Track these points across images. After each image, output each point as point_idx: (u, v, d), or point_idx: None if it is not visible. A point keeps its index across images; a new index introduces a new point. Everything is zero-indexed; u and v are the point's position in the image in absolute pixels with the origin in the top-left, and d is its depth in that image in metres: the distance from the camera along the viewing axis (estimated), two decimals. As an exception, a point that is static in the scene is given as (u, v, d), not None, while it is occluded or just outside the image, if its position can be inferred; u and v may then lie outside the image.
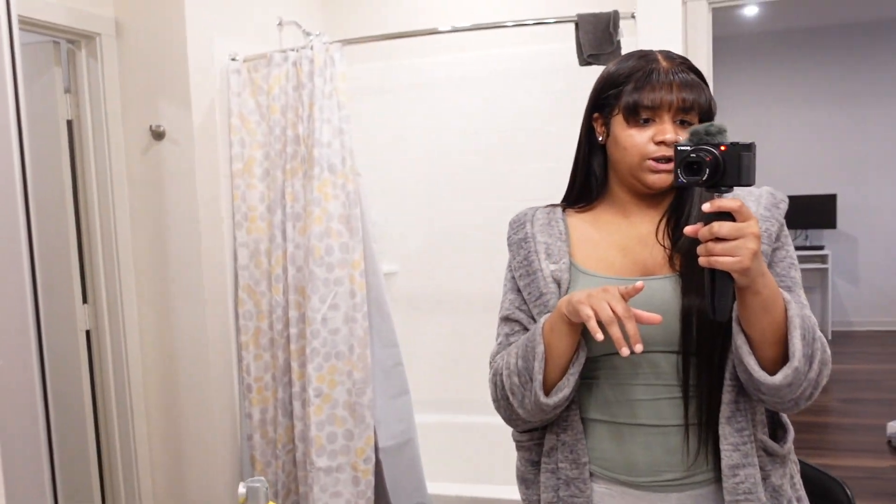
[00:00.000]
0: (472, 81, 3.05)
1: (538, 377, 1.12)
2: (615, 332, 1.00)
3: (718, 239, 0.95)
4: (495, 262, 3.03)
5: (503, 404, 1.22)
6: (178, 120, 2.35)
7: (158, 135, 2.37)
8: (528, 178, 3.00)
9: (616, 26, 2.17)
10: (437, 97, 3.09)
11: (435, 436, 3.07)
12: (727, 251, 0.94)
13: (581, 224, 1.27)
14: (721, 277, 0.98)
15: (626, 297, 1.03)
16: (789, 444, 1.19)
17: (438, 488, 2.50)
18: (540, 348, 1.12)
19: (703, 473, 1.15)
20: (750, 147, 0.96)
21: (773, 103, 6.90)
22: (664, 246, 1.18)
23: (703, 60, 2.45)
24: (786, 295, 1.05)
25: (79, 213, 2.38)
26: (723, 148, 0.96)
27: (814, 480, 1.43)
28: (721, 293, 0.99)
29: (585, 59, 2.18)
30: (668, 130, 1.13)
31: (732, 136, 1.00)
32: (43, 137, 2.34)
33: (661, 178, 1.15)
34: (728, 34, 6.74)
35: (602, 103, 1.22)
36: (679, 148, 0.99)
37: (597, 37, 2.07)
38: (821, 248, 6.79)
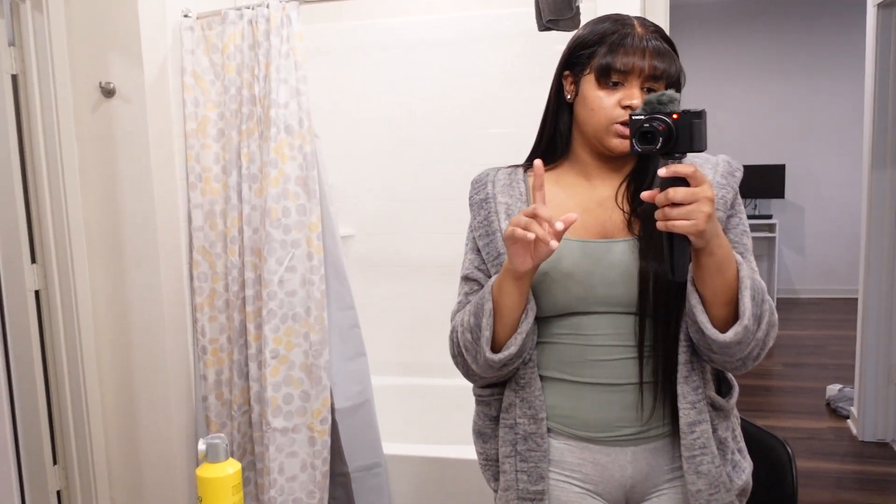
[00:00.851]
0: (431, 44, 3.02)
1: (486, 333, 1.15)
2: (537, 230, 1.04)
3: (675, 204, 0.98)
4: (452, 227, 3.05)
5: (460, 360, 1.25)
6: (130, 77, 2.29)
7: (108, 92, 2.30)
8: (486, 142, 3.01)
9: (575, -8, 2.17)
10: (395, 59, 3.06)
11: (391, 398, 3.10)
12: (683, 215, 0.98)
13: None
14: (678, 240, 1.02)
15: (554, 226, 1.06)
16: (734, 399, 1.25)
17: (394, 448, 2.53)
18: (488, 305, 1.15)
19: (657, 429, 1.21)
20: (700, 114, 0.99)
21: (726, 73, 6.99)
22: (623, 210, 1.21)
23: (660, 28, 2.47)
24: (738, 257, 1.09)
25: (25, 171, 2.32)
26: (675, 116, 0.99)
27: (757, 440, 1.49)
28: (679, 254, 1.02)
29: (544, 25, 2.18)
30: (635, 96, 1.16)
31: (684, 104, 1.03)
32: (-13, 92, 2.26)
33: (624, 144, 1.17)
34: (683, 3, 6.79)
35: (574, 62, 1.24)
36: (633, 117, 1.02)
37: (556, 2, 2.07)
38: (769, 216, 6.96)
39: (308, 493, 2.39)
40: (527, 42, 2.91)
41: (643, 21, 1.20)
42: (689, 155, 1.02)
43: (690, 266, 1.08)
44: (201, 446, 0.98)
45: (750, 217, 6.75)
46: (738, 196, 1.22)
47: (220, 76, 2.40)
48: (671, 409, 1.19)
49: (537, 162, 1.10)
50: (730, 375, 1.28)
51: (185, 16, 2.38)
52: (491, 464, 1.32)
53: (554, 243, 1.05)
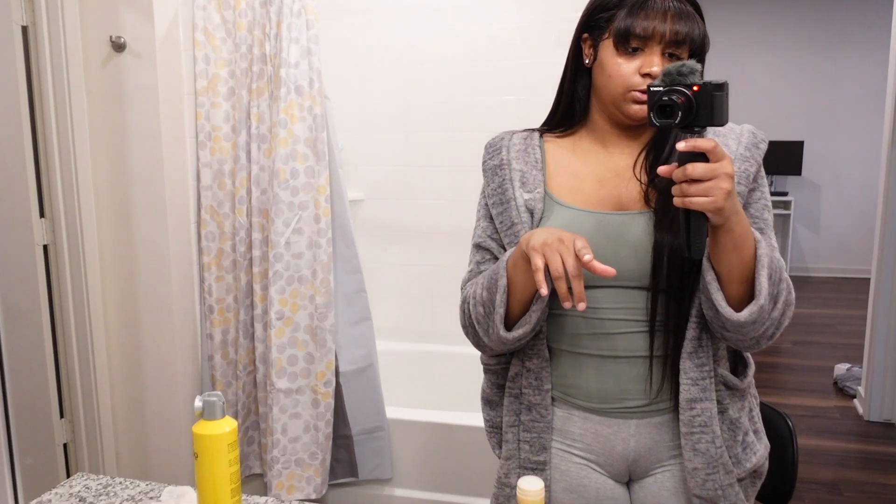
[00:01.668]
0: (446, 8, 2.97)
1: (500, 310, 1.12)
2: (561, 287, 0.98)
3: (693, 180, 0.95)
4: (461, 194, 3.03)
5: (471, 331, 1.23)
6: (140, 32, 2.27)
7: (119, 46, 2.28)
8: (500, 108, 2.97)
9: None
10: (408, 23, 3.02)
11: (395, 363, 3.11)
12: (701, 191, 0.94)
13: (558, 150, 1.25)
14: (696, 216, 0.98)
15: (580, 255, 0.98)
16: (749, 378, 1.22)
17: (397, 413, 2.54)
18: (503, 281, 1.12)
19: (663, 402, 1.18)
20: (722, 87, 0.94)
21: (746, 47, 6.88)
22: (640, 181, 1.17)
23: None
24: (757, 235, 1.05)
25: (35, 124, 2.31)
26: (695, 88, 0.95)
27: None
28: (696, 231, 0.99)
29: (562, -11, 2.13)
30: (655, 63, 1.10)
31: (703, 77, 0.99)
32: (-4, 43, 2.24)
33: (643, 109, 1.12)
34: (708, -27, 6.65)
35: (592, 24, 1.19)
36: (652, 89, 0.97)
37: (575, -35, 2.02)
38: (785, 193, 6.89)
39: (310, 455, 2.41)
40: (544, 7, 2.86)
41: None
42: None
43: (707, 242, 1.05)
44: (198, 403, 0.98)
45: (765, 193, 6.68)
46: (762, 169, 1.17)
47: (232, 33, 2.37)
48: (676, 384, 1.16)
49: (610, 269, 0.99)
50: (746, 354, 1.25)
51: (197, -29, 2.35)
52: (496, 431, 1.31)
53: (567, 304, 0.99)
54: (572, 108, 1.25)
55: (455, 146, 3.04)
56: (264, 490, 2.50)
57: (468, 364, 2.91)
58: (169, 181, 2.34)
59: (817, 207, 7.04)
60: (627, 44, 1.12)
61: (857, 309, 5.71)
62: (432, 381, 3.11)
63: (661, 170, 0.99)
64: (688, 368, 1.13)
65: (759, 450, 1.21)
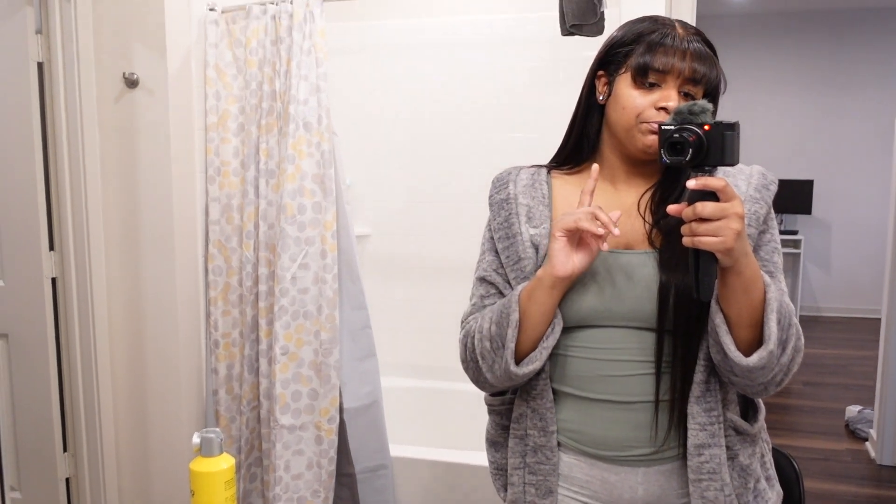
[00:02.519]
0: (453, 46, 3.01)
1: (510, 345, 1.11)
2: (602, 216, 1.04)
3: (703, 219, 0.94)
4: (468, 230, 3.03)
5: (472, 366, 1.20)
6: (153, 69, 2.31)
7: (132, 83, 2.32)
8: (507, 146, 2.99)
9: (601, -3, 2.15)
10: (416, 60, 3.06)
11: (400, 400, 3.09)
12: (711, 231, 0.94)
13: (566, 186, 1.24)
14: (705, 257, 0.97)
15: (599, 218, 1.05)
16: (760, 422, 1.19)
17: (401, 451, 2.52)
18: (515, 316, 1.10)
19: (671, 450, 1.15)
20: (734, 126, 0.95)
21: (755, 86, 6.92)
22: (645, 220, 1.16)
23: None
24: (766, 278, 1.04)
25: (47, 158, 2.34)
26: (706, 127, 0.95)
27: (765, 457, 1.46)
28: (705, 272, 0.98)
29: (568, 30, 2.15)
30: (672, 97, 1.10)
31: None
32: (12, 78, 2.28)
33: (657, 140, 1.12)
34: (712, 13, 6.73)
35: (609, 60, 1.19)
36: (663, 127, 0.98)
37: (580, 6, 2.04)
38: (795, 232, 6.86)
39: (313, 492, 2.38)
40: (551, 47, 2.89)
41: (684, 23, 1.15)
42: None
43: (716, 284, 1.03)
44: (196, 439, 0.97)
45: (775, 232, 6.67)
46: (772, 211, 1.16)
47: (242, 70, 2.40)
48: (684, 430, 1.13)
49: (595, 166, 1.09)
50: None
51: (211, 9, 2.39)
52: (501, 473, 1.29)
53: (605, 245, 1.05)
54: (581, 145, 1.25)
55: (462, 182, 3.06)
56: (266, 528, 2.47)
57: (475, 402, 2.87)
58: (178, 215, 2.36)
59: (828, 246, 7.01)
60: (645, 78, 1.12)
61: (868, 349, 5.64)
62: (438, 419, 3.08)
63: (671, 209, 0.98)
64: (696, 413, 1.10)
65: (772, 497, 1.18)
